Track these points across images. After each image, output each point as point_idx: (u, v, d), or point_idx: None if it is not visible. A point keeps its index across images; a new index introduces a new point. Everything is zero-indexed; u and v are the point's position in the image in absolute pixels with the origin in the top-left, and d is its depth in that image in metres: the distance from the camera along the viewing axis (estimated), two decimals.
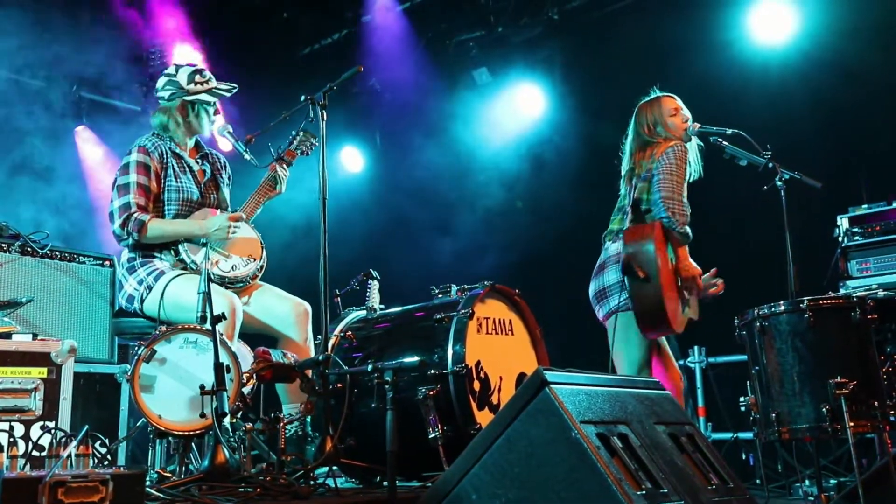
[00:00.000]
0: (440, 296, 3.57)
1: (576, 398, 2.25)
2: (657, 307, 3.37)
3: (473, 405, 3.16)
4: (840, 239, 4.62)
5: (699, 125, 3.82)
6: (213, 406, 2.71)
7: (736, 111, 4.72)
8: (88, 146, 6.99)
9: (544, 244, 6.41)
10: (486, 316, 3.43)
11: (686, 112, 3.85)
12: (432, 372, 3.17)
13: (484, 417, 3.15)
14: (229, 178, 3.92)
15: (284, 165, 3.85)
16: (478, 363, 3.27)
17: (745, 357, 3.38)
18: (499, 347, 3.44)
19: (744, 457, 5.02)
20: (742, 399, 3.28)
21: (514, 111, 6.67)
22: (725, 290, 3.83)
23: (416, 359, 3.13)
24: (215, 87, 3.72)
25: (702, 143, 3.93)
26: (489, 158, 6.74)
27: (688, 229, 3.54)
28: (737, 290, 5.07)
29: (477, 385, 3.24)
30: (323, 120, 3.48)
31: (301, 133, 3.87)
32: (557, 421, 2.16)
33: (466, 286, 3.53)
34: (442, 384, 3.15)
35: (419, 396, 3.11)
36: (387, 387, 2.69)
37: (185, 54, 6.49)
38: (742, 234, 4.80)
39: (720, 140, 3.80)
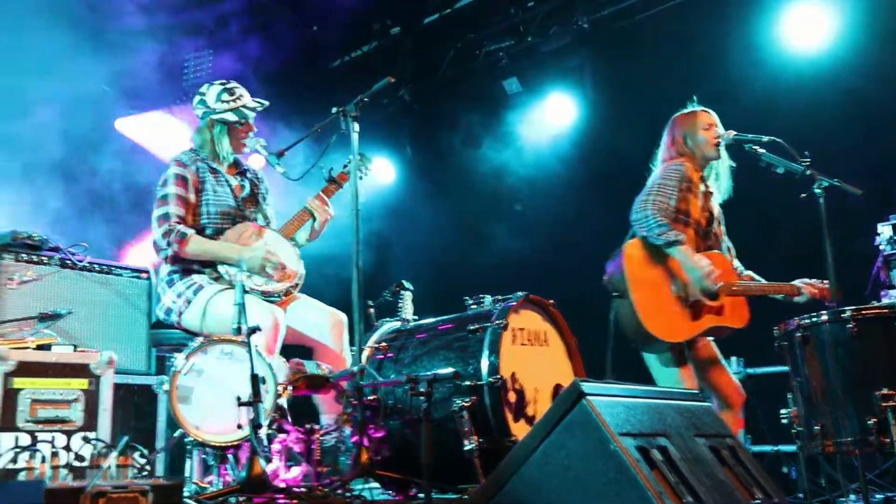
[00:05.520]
0: (474, 306, 3.56)
1: (614, 410, 2.22)
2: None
3: (509, 417, 3.13)
4: (882, 247, 4.53)
5: (734, 132, 3.78)
6: (250, 417, 2.73)
7: (770, 119, 4.65)
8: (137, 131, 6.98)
9: (578, 254, 6.35)
10: (521, 327, 3.40)
11: (720, 129, 3.81)
12: (467, 383, 3.15)
13: (520, 429, 3.13)
14: (267, 192, 3.96)
15: (334, 188, 3.91)
16: (513, 374, 3.24)
17: (783, 368, 3.31)
18: (534, 359, 3.41)
19: (785, 470, 4.91)
20: (783, 411, 3.21)
21: (545, 120, 6.66)
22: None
23: (450, 370, 3.11)
24: (242, 106, 3.75)
25: (734, 164, 3.87)
26: (520, 167, 6.72)
27: (670, 237, 3.52)
28: (775, 301, 4.98)
29: (512, 396, 3.21)
30: (354, 132, 3.50)
31: (356, 157, 3.86)
32: (595, 433, 2.13)
33: (500, 297, 3.51)
34: (477, 395, 3.13)
35: (454, 408, 3.10)
36: (421, 398, 2.68)
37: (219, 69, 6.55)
38: (780, 243, 4.71)
39: (756, 148, 3.74)
